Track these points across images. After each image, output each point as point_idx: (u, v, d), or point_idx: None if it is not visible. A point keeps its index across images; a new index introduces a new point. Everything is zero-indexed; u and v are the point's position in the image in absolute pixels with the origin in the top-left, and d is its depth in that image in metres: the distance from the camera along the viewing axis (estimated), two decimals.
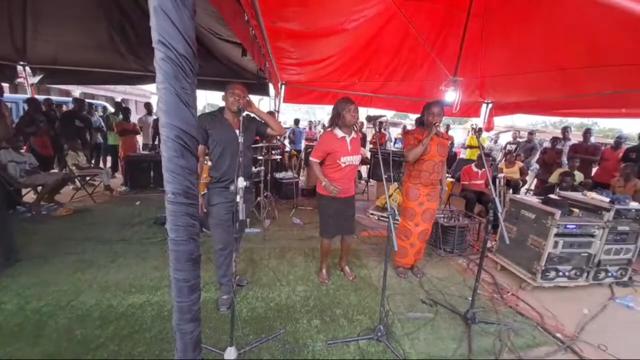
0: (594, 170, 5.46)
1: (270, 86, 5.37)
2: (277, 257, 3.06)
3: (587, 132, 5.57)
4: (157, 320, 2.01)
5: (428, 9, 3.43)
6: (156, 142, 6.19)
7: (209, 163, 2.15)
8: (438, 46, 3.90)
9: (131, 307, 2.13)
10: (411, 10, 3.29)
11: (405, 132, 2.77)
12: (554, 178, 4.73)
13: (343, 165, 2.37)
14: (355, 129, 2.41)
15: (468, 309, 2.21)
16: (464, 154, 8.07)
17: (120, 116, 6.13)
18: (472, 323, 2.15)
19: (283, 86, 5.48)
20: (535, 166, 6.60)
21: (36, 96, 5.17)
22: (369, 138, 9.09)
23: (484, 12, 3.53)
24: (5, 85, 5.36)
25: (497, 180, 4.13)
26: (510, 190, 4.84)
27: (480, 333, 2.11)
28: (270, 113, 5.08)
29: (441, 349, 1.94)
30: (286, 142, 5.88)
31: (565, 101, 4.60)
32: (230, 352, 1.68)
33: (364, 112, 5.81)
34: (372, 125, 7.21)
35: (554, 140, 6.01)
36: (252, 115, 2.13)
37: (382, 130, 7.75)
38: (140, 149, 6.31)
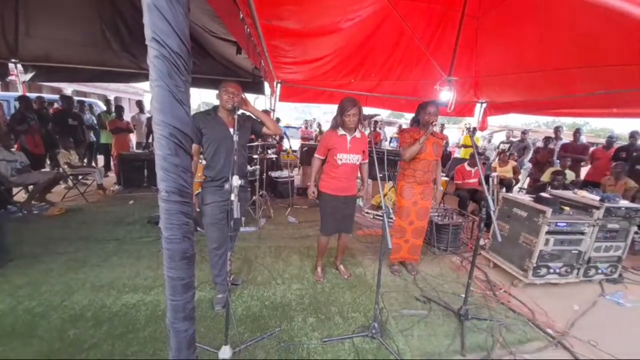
0: (586, 169, 5.56)
1: (266, 85, 5.35)
2: (273, 255, 3.06)
3: (577, 132, 5.68)
4: (151, 320, 2.00)
5: (423, 8, 3.45)
6: (150, 141, 6.13)
7: (203, 162, 2.14)
8: (433, 46, 3.93)
9: (125, 306, 2.12)
10: (406, 10, 3.31)
11: (401, 130, 2.80)
12: (546, 177, 4.80)
13: (339, 162, 2.39)
14: (360, 128, 2.43)
15: (461, 306, 2.24)
16: (458, 153, 8.14)
17: (113, 114, 6.06)
18: (465, 319, 2.18)
19: (279, 85, 5.47)
20: (528, 165, 6.69)
21: (28, 94, 5.08)
22: None
23: (478, 12, 3.58)
24: None
25: (491, 179, 4.19)
26: (504, 189, 4.91)
27: (473, 329, 2.14)
28: (265, 112, 5.07)
29: (435, 345, 1.96)
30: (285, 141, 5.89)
31: (558, 101, 4.67)
32: (225, 351, 1.68)
33: None
34: (366, 124, 7.22)
35: (547, 139, 6.10)
36: (248, 113, 2.12)
37: (377, 129, 7.79)
38: (134, 148, 6.24)
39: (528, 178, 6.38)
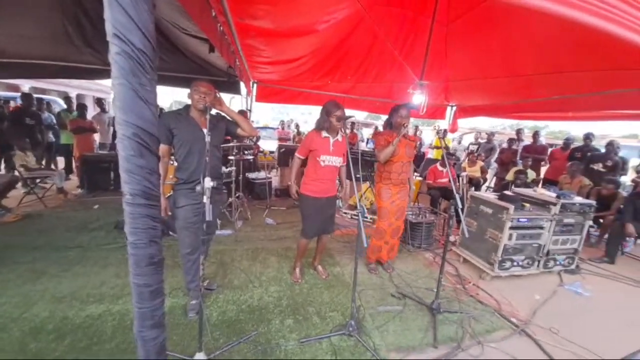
0: (545, 168, 5.99)
1: (242, 84, 5.25)
2: (250, 258, 3.01)
3: (536, 134, 6.11)
4: (119, 330, 1.89)
5: (395, 13, 3.55)
6: (115, 141, 5.80)
7: (175, 163, 2.07)
8: (405, 50, 4.06)
9: (89, 317, 1.99)
10: (380, 14, 3.40)
11: (376, 133, 2.88)
12: (510, 176, 5.12)
13: (322, 164, 2.40)
14: (342, 132, 2.45)
15: (433, 300, 2.33)
16: (431, 154, 8.46)
17: (75, 113, 5.67)
18: (437, 313, 2.28)
19: (255, 85, 5.39)
20: (494, 165, 7.09)
21: None
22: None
23: (446, 20, 3.74)
24: None
25: (460, 179, 4.39)
26: (473, 188, 5.16)
27: (445, 322, 2.24)
28: (242, 112, 4.98)
29: (409, 340, 2.03)
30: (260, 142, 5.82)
31: (520, 105, 4.99)
32: (199, 358, 1.63)
33: None
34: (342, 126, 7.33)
35: (510, 141, 6.51)
36: (222, 114, 2.08)
37: (354, 130, 7.91)
38: (98, 149, 5.88)
39: (495, 177, 6.77)
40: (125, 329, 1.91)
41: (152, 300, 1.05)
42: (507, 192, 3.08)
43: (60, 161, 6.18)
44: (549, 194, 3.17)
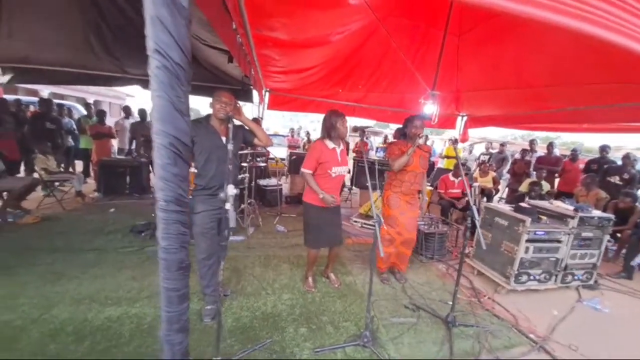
0: (557, 180, 5.88)
1: (254, 93, 5.37)
2: (262, 265, 3.03)
3: (550, 145, 6.02)
4: (137, 333, 1.92)
5: (408, 26, 3.62)
6: (132, 147, 5.96)
7: (194, 170, 2.12)
8: (417, 61, 4.10)
9: (108, 320, 2.03)
10: (392, 26, 3.45)
11: (390, 143, 2.92)
12: (524, 187, 5.04)
13: (333, 175, 2.42)
14: (344, 140, 2.49)
15: (449, 313, 2.30)
16: (441, 164, 8.41)
17: (95, 118, 5.87)
18: (452, 326, 2.24)
19: (267, 93, 5.50)
20: (506, 176, 7.00)
21: (4, 96, 4.86)
22: (351, 147, 9.26)
23: (459, 32, 3.78)
24: None
25: (473, 189, 4.35)
26: (485, 199, 5.10)
27: (460, 335, 2.20)
28: (255, 120, 5.07)
29: (424, 353, 2.00)
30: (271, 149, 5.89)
31: (532, 116, 4.95)
32: None
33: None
34: (358, 135, 7.46)
35: (523, 152, 6.42)
36: (239, 123, 2.13)
37: (365, 138, 7.94)
38: (116, 154, 6.05)
39: (507, 188, 6.67)
40: (143, 332, 1.94)
41: (180, 304, 1.08)
42: (522, 204, 3.04)
43: (78, 165, 6.37)
44: (565, 207, 3.12)
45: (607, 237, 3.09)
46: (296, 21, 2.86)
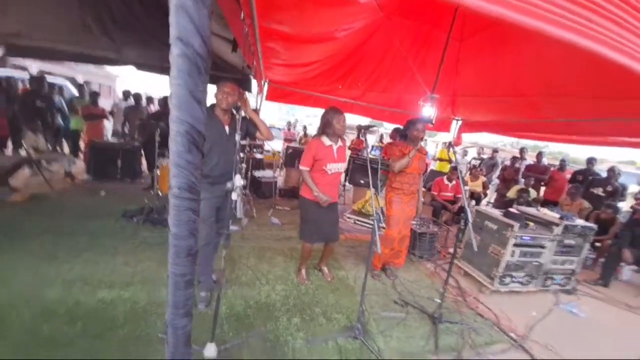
0: (543, 188, 6.10)
1: (254, 83, 5.32)
2: (256, 256, 3.06)
3: (540, 154, 6.22)
4: (130, 317, 1.93)
5: (412, 26, 3.65)
6: (126, 130, 5.83)
7: None
8: (418, 63, 4.15)
9: (101, 302, 2.03)
10: (397, 25, 3.49)
11: (388, 144, 2.98)
12: (512, 193, 5.21)
13: (329, 172, 2.45)
14: (342, 137, 2.52)
15: (436, 310, 2.39)
16: (433, 166, 8.55)
17: (87, 98, 5.71)
18: (438, 322, 2.34)
19: (266, 84, 5.46)
20: (495, 181, 7.20)
21: None
22: (347, 144, 9.30)
23: (461, 36, 3.84)
24: None
25: (464, 192, 4.48)
26: (473, 202, 5.25)
27: (446, 332, 2.30)
28: (255, 111, 5.03)
29: (412, 346, 2.09)
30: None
31: (524, 124, 5.10)
32: (210, 349, 1.67)
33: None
34: (358, 133, 7.53)
35: (514, 159, 6.61)
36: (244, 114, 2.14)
37: (360, 136, 7.99)
38: (109, 136, 5.91)
39: (495, 193, 6.87)
40: (136, 316, 1.95)
41: (186, 289, 1.10)
42: (512, 210, 3.16)
43: (66, 146, 6.19)
44: (552, 215, 3.25)
45: (588, 245, 3.25)
46: (304, 16, 2.85)
